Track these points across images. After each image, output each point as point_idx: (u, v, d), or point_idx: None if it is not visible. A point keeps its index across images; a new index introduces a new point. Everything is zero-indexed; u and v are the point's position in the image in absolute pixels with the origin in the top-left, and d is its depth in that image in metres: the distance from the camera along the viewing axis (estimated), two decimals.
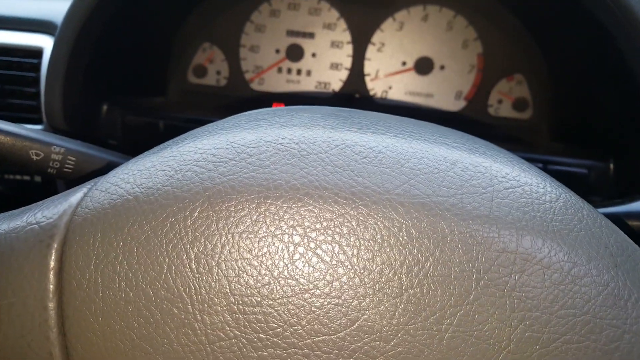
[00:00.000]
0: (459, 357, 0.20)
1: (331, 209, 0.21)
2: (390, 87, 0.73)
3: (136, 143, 0.62)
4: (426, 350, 0.20)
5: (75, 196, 0.23)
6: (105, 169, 0.37)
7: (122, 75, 0.65)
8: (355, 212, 0.21)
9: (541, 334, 0.20)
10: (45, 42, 0.61)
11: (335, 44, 0.72)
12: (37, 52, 0.60)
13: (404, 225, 0.20)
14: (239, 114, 0.29)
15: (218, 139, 0.24)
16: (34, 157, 0.35)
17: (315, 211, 0.21)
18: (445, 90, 0.73)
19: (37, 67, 0.60)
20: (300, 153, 0.23)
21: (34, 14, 0.63)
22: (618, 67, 0.52)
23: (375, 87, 0.73)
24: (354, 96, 0.74)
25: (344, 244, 0.20)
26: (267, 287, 0.20)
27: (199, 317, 0.20)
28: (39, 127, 0.61)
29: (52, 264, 0.21)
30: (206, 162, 0.22)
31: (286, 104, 0.74)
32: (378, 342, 0.20)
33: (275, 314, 0.20)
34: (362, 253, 0.20)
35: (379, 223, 0.21)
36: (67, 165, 0.36)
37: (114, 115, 0.62)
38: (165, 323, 0.20)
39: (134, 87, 0.67)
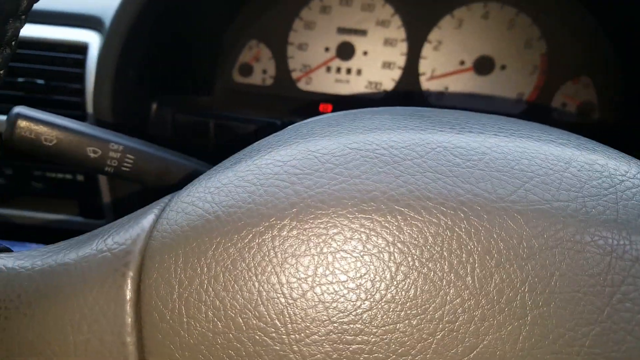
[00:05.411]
0: None
1: (437, 221, 0.18)
2: (446, 88, 0.69)
3: (187, 141, 0.61)
4: None
5: (147, 219, 0.21)
6: (167, 172, 0.35)
7: (170, 73, 0.64)
8: (466, 224, 0.18)
9: None
10: (91, 38, 0.58)
11: (388, 42, 0.69)
12: (82, 48, 0.57)
13: (524, 237, 0.18)
14: (308, 120, 0.27)
15: (296, 148, 0.22)
16: (91, 155, 0.34)
17: (419, 225, 0.18)
18: (505, 92, 0.68)
19: (82, 63, 0.58)
20: (392, 160, 0.20)
21: (80, 8, 0.61)
22: None
23: (431, 87, 0.70)
24: (407, 97, 0.70)
25: (454, 262, 0.18)
26: (368, 312, 0.18)
27: (295, 349, 0.18)
28: None
29: (129, 295, 0.20)
30: (288, 175, 0.20)
31: (335, 105, 0.71)
32: None
33: (381, 343, 0.18)
34: (477, 271, 0.18)
35: (494, 235, 0.18)
36: (125, 164, 0.34)
37: (163, 113, 0.61)
38: (258, 355, 0.18)
39: (181, 86, 0.66)
